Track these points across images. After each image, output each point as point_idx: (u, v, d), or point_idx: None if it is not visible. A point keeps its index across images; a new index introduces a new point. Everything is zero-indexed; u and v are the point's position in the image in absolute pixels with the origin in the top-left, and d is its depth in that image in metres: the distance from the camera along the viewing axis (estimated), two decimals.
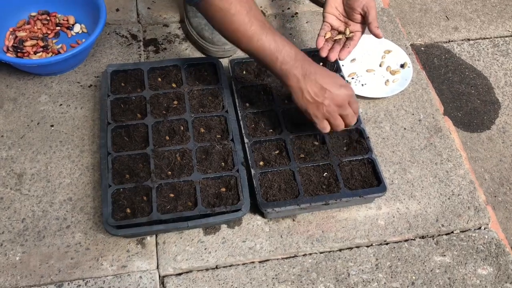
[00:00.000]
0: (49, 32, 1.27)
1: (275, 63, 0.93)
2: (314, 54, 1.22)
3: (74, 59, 1.19)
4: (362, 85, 1.24)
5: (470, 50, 1.57)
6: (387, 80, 1.25)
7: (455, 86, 1.48)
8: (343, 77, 1.18)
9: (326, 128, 0.98)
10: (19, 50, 1.21)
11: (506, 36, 1.61)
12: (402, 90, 1.24)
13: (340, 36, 1.10)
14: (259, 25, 0.91)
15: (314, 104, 0.95)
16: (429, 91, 1.28)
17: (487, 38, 1.60)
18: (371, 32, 1.06)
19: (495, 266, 1.01)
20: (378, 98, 1.24)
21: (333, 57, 1.08)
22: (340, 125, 0.98)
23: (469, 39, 1.60)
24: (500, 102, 1.44)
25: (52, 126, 1.14)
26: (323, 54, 1.08)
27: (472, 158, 1.32)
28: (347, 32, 1.09)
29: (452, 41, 1.60)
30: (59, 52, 1.23)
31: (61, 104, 1.18)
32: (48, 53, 1.23)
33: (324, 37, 1.10)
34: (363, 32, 1.10)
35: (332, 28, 1.11)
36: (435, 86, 1.43)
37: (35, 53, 1.22)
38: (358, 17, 1.07)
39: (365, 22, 1.07)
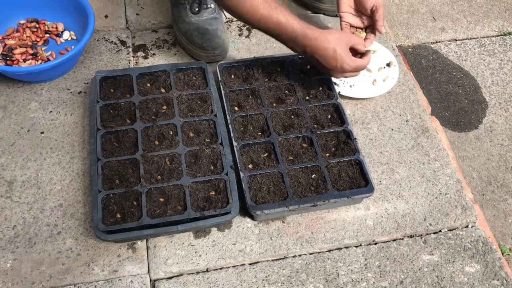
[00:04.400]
0: (38, 39, 1.28)
1: (284, 36, 1.06)
2: (301, 57, 1.24)
3: (63, 66, 1.20)
4: (350, 86, 1.25)
5: (457, 50, 1.59)
6: (375, 80, 1.26)
7: (442, 86, 1.49)
8: (331, 80, 1.20)
9: (347, 77, 1.14)
10: (8, 58, 1.21)
11: (492, 36, 1.63)
12: (390, 90, 1.26)
13: (363, 34, 1.21)
14: (267, 5, 1.03)
15: (324, 70, 1.11)
16: (416, 91, 1.29)
17: (474, 38, 1.62)
18: (376, 29, 1.18)
19: (482, 263, 1.02)
20: (366, 99, 1.25)
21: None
22: (359, 66, 1.09)
23: (456, 40, 1.62)
24: (487, 101, 1.46)
25: (42, 133, 1.14)
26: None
27: (460, 157, 1.34)
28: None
29: (439, 41, 1.61)
30: (48, 60, 1.24)
31: (51, 111, 1.18)
32: (37, 61, 1.23)
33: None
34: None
35: (351, 26, 1.21)
36: (422, 86, 1.45)
37: (24, 60, 1.22)
38: (369, 13, 1.18)
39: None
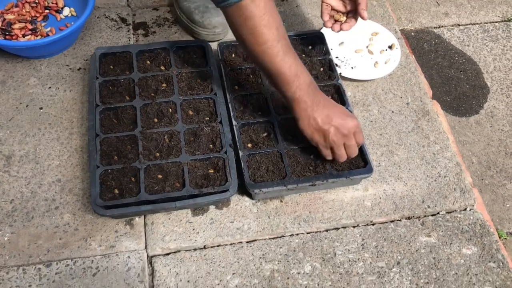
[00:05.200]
0: (37, 15, 1.27)
1: (290, 86, 0.92)
2: (303, 38, 1.23)
3: (62, 41, 1.19)
4: (352, 68, 1.25)
5: (460, 35, 1.57)
6: (376, 62, 1.25)
7: (444, 71, 1.48)
8: (332, 61, 1.19)
9: (329, 156, 0.99)
10: (7, 33, 1.20)
11: (496, 22, 1.61)
12: (391, 73, 1.25)
13: (343, 18, 1.12)
14: (285, 44, 0.90)
15: (320, 132, 0.95)
16: (418, 75, 1.28)
17: (477, 24, 1.61)
18: (358, 13, 1.07)
19: (479, 246, 1.02)
20: (367, 81, 1.24)
21: (336, 28, 1.10)
22: (343, 156, 0.98)
23: (459, 25, 1.60)
24: (489, 87, 1.45)
25: (41, 108, 1.14)
26: (328, 25, 1.11)
27: (460, 142, 1.33)
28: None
29: (442, 26, 1.60)
30: (48, 35, 1.23)
31: (50, 87, 1.18)
32: (36, 36, 1.22)
33: (329, 14, 1.12)
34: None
35: (332, 9, 1.13)
36: (424, 71, 1.44)
37: (23, 36, 1.21)
38: None
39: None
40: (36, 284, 0.91)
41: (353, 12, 1.11)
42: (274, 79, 0.94)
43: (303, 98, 0.93)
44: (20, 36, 1.21)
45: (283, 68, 0.90)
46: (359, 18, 1.10)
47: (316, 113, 0.94)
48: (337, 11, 1.13)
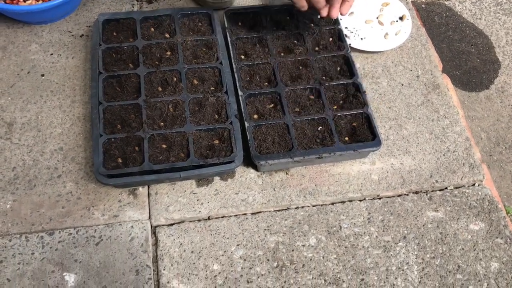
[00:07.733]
0: None
1: None
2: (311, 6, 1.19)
3: (65, 7, 1.16)
4: (362, 39, 1.21)
5: (472, 8, 1.53)
6: (386, 33, 1.22)
7: (455, 44, 1.45)
8: (342, 31, 1.16)
9: (304, 7, 1.01)
10: None
11: None
12: (401, 45, 1.22)
13: None
14: None
15: None
16: (428, 47, 1.25)
17: None
18: None
19: (487, 222, 1.01)
20: (377, 53, 1.21)
21: (334, 14, 1.03)
22: (320, 1, 0.99)
23: None
24: (500, 61, 1.42)
25: (43, 75, 1.11)
26: (324, 14, 1.04)
27: (469, 117, 1.31)
28: None
29: None
30: (49, 0, 1.20)
31: (52, 54, 1.15)
32: (38, 1, 1.19)
33: None
34: None
35: None
36: (434, 44, 1.41)
37: (24, 0, 1.18)
38: None
39: None
40: (39, 252, 0.91)
41: None
42: None
43: None
44: (21, 0, 1.18)
45: None
46: None
47: None
48: None
